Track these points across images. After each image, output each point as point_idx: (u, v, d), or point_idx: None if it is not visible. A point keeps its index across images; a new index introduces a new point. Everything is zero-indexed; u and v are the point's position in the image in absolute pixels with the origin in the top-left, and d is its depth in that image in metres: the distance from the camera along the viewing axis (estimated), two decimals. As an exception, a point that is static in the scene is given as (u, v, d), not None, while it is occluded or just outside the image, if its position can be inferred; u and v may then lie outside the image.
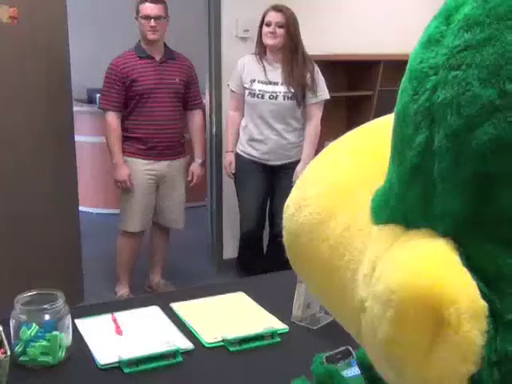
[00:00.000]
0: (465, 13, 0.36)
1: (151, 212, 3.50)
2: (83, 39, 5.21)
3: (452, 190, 0.36)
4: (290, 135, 3.40)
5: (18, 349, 1.41)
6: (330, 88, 3.48)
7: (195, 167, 3.61)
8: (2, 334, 1.39)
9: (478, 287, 0.35)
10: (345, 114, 4.62)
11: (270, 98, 3.33)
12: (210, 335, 1.55)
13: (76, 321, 1.60)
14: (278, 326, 1.60)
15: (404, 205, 0.39)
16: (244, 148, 3.47)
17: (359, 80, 4.46)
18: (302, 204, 0.48)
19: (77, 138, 3.42)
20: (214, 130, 3.98)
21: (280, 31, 3.25)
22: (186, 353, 1.48)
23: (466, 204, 0.36)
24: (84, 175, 4.21)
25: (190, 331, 1.58)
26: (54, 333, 1.42)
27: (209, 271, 4.12)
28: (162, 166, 3.43)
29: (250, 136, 3.43)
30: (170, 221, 3.60)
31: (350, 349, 1.03)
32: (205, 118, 4.08)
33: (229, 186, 3.83)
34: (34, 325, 1.41)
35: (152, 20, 3.29)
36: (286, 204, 0.50)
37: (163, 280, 3.71)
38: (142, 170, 3.39)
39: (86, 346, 1.50)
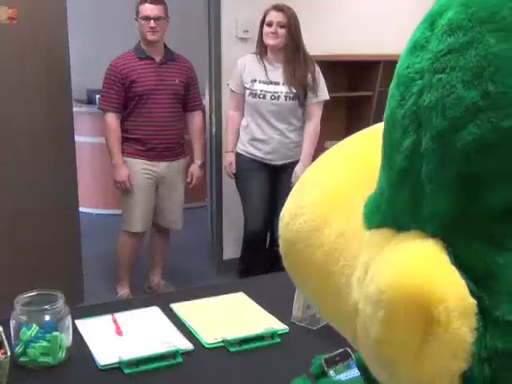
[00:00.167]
0: (448, 18, 0.37)
1: (151, 213, 3.50)
2: (83, 40, 5.21)
3: (439, 190, 0.37)
4: (292, 134, 3.40)
5: (19, 349, 1.41)
6: (330, 88, 3.48)
7: (194, 169, 3.60)
8: (2, 334, 1.39)
9: (467, 285, 0.35)
10: (344, 115, 4.62)
11: (271, 98, 3.32)
12: (209, 336, 1.55)
13: (76, 321, 1.60)
14: (278, 326, 1.60)
15: (394, 208, 0.40)
16: (245, 148, 3.45)
17: (359, 80, 4.46)
18: (297, 212, 0.49)
19: (77, 138, 3.43)
20: (213, 130, 3.98)
21: (281, 31, 3.24)
22: (185, 353, 1.48)
23: (452, 204, 0.36)
24: (84, 176, 4.21)
25: (190, 332, 1.58)
26: (54, 333, 1.42)
27: (209, 272, 4.12)
28: (161, 167, 3.42)
29: (251, 136, 3.41)
30: (169, 222, 3.60)
31: (349, 350, 1.03)
32: (205, 119, 4.08)
33: (229, 187, 3.83)
34: (34, 325, 1.41)
35: (152, 21, 3.28)
36: (281, 213, 0.51)
37: (163, 281, 3.71)
38: (140, 170, 3.39)
39: (86, 347, 1.50)
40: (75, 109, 3.39)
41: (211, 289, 1.92)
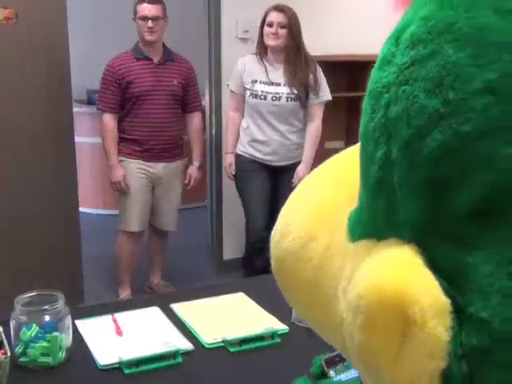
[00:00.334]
0: (410, 32, 0.39)
1: (148, 213, 3.48)
2: (83, 40, 5.21)
3: (409, 196, 0.39)
4: (293, 136, 3.37)
5: (18, 350, 1.41)
6: (330, 88, 3.47)
7: (193, 170, 3.58)
8: (3, 334, 1.39)
9: (441, 286, 0.37)
10: (345, 115, 4.62)
11: (272, 99, 3.29)
12: (210, 336, 1.55)
13: (76, 322, 1.60)
14: (278, 326, 1.60)
15: (373, 219, 0.42)
16: (245, 149, 3.42)
17: (359, 80, 4.45)
18: (285, 231, 0.51)
19: (76, 138, 3.42)
20: (213, 130, 3.98)
21: (282, 32, 3.21)
22: (186, 353, 1.48)
23: (422, 209, 0.38)
24: (84, 176, 4.21)
25: (190, 332, 1.58)
26: (54, 334, 1.42)
27: (209, 272, 4.12)
28: (157, 168, 3.41)
29: (252, 137, 3.38)
30: (164, 223, 3.58)
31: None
32: (205, 119, 4.08)
33: (229, 187, 3.83)
34: (34, 326, 1.41)
35: (149, 21, 3.25)
36: (273, 231, 0.54)
37: (163, 281, 3.71)
38: (137, 170, 3.37)
39: (87, 347, 1.50)
40: (75, 109, 3.39)
41: (211, 289, 1.92)
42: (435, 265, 0.37)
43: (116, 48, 3.58)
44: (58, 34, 3.14)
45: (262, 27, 3.28)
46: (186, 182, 3.58)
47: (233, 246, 4.12)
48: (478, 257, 0.36)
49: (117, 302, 2.84)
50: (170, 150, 3.42)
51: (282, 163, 3.40)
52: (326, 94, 3.38)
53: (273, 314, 1.68)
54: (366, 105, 0.42)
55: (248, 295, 1.81)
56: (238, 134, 3.47)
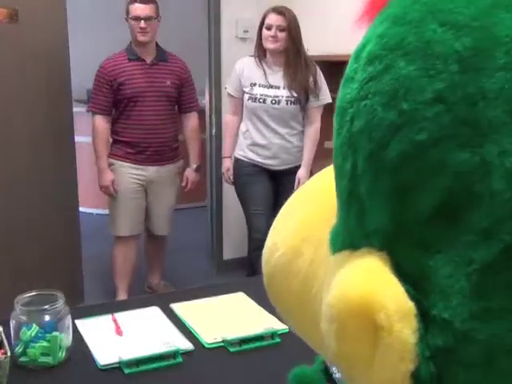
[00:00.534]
0: (368, 50, 0.42)
1: (141, 216, 3.41)
2: (83, 40, 5.22)
3: (376, 205, 0.41)
4: (293, 138, 3.31)
5: (18, 349, 1.41)
6: (330, 88, 3.45)
7: (189, 173, 3.52)
8: (2, 334, 1.39)
9: (407, 290, 0.38)
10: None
11: (272, 102, 3.22)
12: (210, 336, 1.55)
13: (76, 321, 1.60)
14: (278, 326, 1.60)
15: (348, 230, 0.44)
16: (244, 153, 3.34)
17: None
18: (273, 248, 0.54)
19: (77, 138, 3.42)
20: (213, 130, 3.98)
21: (281, 35, 3.13)
22: (186, 353, 1.48)
23: (389, 216, 0.40)
24: (84, 176, 4.20)
25: (190, 332, 1.58)
26: (54, 333, 1.42)
27: (209, 272, 4.12)
28: (149, 171, 3.33)
29: (251, 141, 3.31)
30: (155, 227, 3.51)
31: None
32: (205, 119, 4.08)
33: (229, 187, 3.83)
34: (34, 325, 1.41)
35: (142, 21, 3.18)
36: (263, 250, 0.56)
37: (163, 281, 3.70)
38: (128, 173, 3.31)
39: (86, 347, 1.50)
40: (75, 109, 3.39)
41: (211, 289, 1.92)
42: (402, 270, 0.39)
43: (116, 48, 3.57)
44: (58, 34, 3.14)
45: (260, 29, 3.21)
46: (183, 184, 3.52)
47: (233, 246, 4.13)
48: (439, 259, 0.38)
49: (117, 302, 2.85)
50: (164, 153, 3.34)
51: (282, 167, 3.33)
52: (326, 97, 3.32)
53: (273, 314, 1.68)
54: (334, 121, 0.45)
55: (248, 295, 1.81)
56: (236, 138, 3.40)
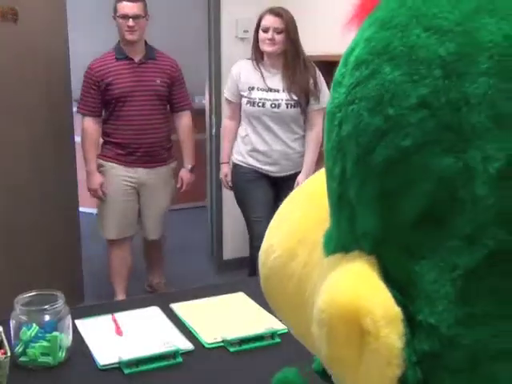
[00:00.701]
0: (355, 55, 0.42)
1: (131, 218, 3.33)
2: (83, 40, 5.21)
3: (364, 209, 0.41)
4: (295, 144, 3.20)
5: (18, 349, 1.41)
6: (329, 88, 3.43)
7: (184, 173, 3.44)
8: (2, 334, 1.39)
9: (394, 296, 0.38)
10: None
11: (271, 106, 3.09)
12: (209, 336, 1.55)
13: (76, 321, 1.60)
14: (278, 326, 1.60)
15: (340, 234, 0.45)
16: (244, 158, 3.22)
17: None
18: (270, 250, 0.54)
19: (76, 138, 3.41)
20: (213, 130, 3.98)
21: (279, 37, 3.01)
22: (185, 353, 1.48)
23: (377, 220, 0.40)
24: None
25: (190, 332, 1.58)
26: (54, 333, 1.42)
27: (209, 272, 4.12)
28: (140, 173, 3.24)
29: (252, 147, 3.18)
30: (146, 230, 3.43)
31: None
32: (204, 119, 4.08)
33: (229, 187, 3.83)
34: (34, 325, 1.41)
35: (130, 20, 3.10)
36: (259, 252, 0.57)
37: (163, 280, 3.70)
38: (119, 175, 3.24)
39: (86, 347, 1.50)
40: (75, 109, 3.38)
41: (211, 289, 1.92)
42: (389, 275, 0.40)
43: (116, 48, 3.56)
44: (58, 34, 3.14)
45: (256, 31, 3.09)
46: (179, 185, 3.46)
47: (233, 246, 4.13)
48: (425, 265, 0.38)
49: (117, 302, 2.85)
50: (154, 154, 3.25)
51: (283, 174, 3.22)
52: (326, 100, 3.26)
53: (273, 314, 1.68)
54: (325, 125, 0.45)
55: (248, 295, 1.81)
56: (234, 143, 3.31)
